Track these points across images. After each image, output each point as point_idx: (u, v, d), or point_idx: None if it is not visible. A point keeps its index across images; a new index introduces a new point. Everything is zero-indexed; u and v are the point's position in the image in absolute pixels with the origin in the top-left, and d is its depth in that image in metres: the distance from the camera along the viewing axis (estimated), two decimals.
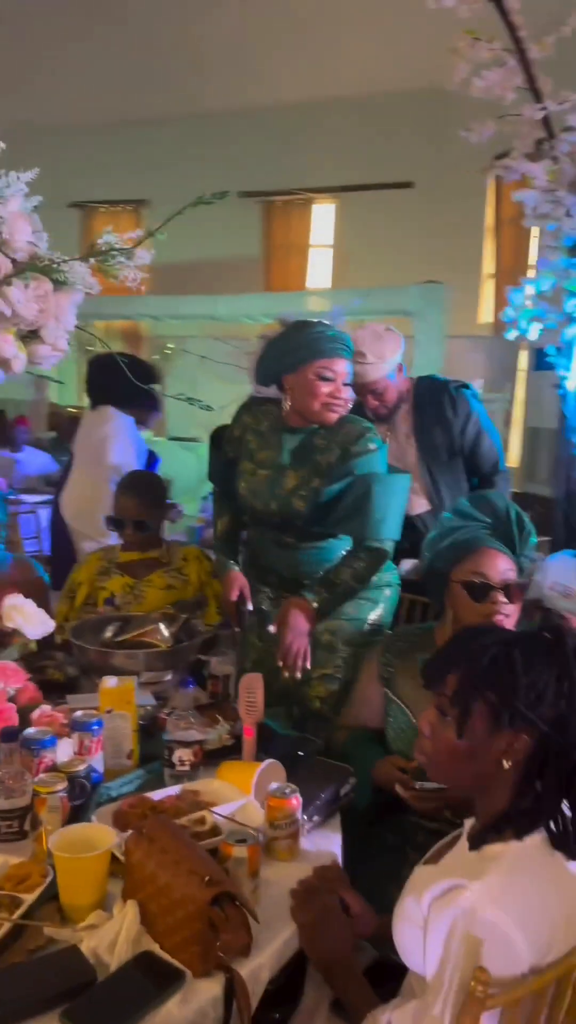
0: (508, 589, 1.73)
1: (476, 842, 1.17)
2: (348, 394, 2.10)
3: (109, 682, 1.73)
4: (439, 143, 8.75)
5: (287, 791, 1.48)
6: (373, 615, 2.22)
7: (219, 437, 2.37)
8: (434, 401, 2.67)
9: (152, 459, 3.94)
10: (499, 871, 1.10)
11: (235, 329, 8.23)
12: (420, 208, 9.53)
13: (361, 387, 2.57)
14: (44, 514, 4.84)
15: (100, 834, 1.34)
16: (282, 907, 1.35)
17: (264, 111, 10.03)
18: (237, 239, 10.25)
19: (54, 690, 2.10)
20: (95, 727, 1.64)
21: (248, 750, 1.75)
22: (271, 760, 1.64)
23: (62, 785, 1.47)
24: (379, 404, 2.66)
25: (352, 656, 2.15)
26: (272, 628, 2.02)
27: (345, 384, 2.09)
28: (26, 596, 2.58)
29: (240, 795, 1.60)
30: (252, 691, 1.75)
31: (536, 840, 1.13)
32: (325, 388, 2.06)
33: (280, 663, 1.97)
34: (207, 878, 1.19)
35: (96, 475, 3.52)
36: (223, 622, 2.18)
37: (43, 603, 2.63)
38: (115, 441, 3.61)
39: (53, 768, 1.55)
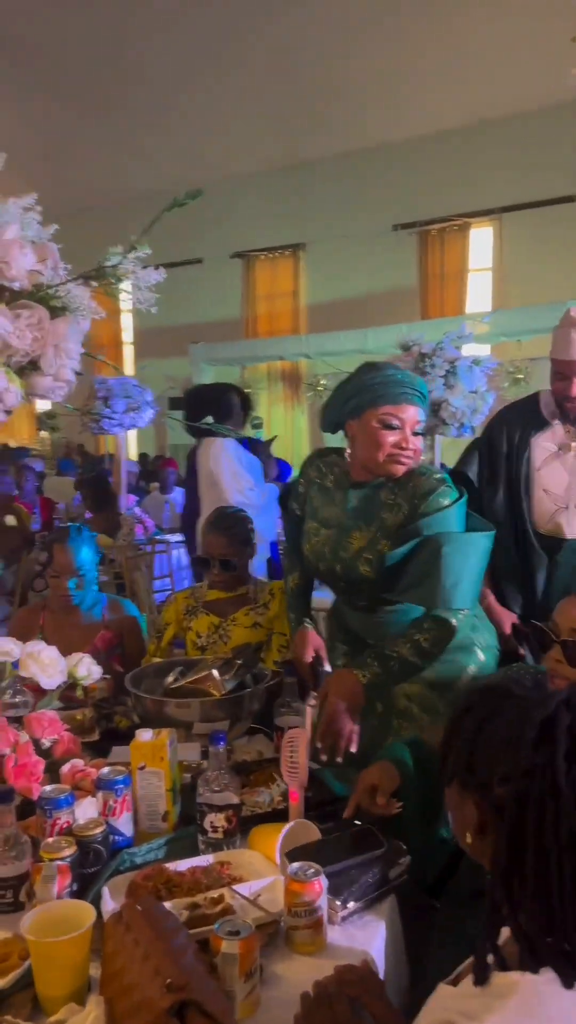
0: (568, 648, 1.42)
1: (479, 974, 0.91)
2: (418, 444, 1.86)
3: (143, 735, 1.60)
4: None
5: (309, 872, 1.27)
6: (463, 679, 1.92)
7: (287, 494, 2.21)
8: None
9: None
10: (503, 1015, 0.84)
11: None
12: None
13: (573, 367, 2.27)
14: (182, 553, 4.88)
15: (83, 914, 1.19)
16: (291, 1013, 1.14)
17: (417, 141, 9.92)
18: (393, 272, 10.15)
19: (120, 739, 2.01)
20: (120, 785, 1.51)
21: (294, 816, 1.56)
22: (298, 820, 1.44)
23: (69, 851, 1.35)
24: None
25: (433, 726, 1.87)
26: (312, 702, 1.81)
27: (415, 433, 1.85)
28: (117, 636, 2.55)
29: (274, 870, 1.41)
30: (294, 749, 1.55)
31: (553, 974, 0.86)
32: (391, 437, 1.83)
33: (318, 743, 1.73)
34: (168, 981, 1.01)
35: (213, 505, 3.53)
36: (289, 668, 1.99)
37: (137, 643, 2.59)
38: (220, 469, 3.62)
39: (69, 831, 1.43)
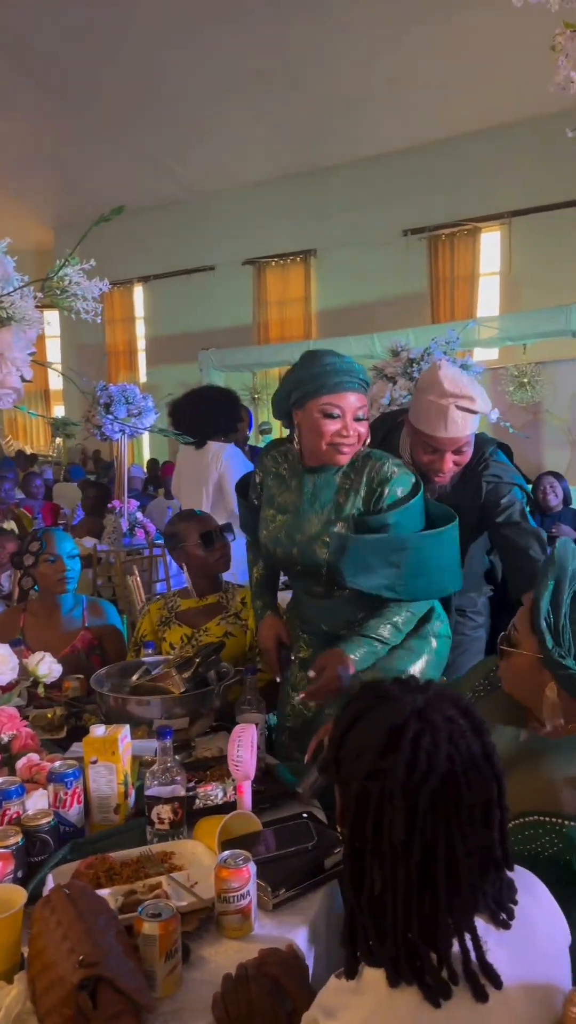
0: (501, 651, 1.45)
1: (347, 968, 0.95)
2: (361, 429, 1.90)
3: (97, 731, 1.65)
4: None
5: (239, 860, 1.32)
6: (415, 668, 1.96)
7: (246, 484, 2.26)
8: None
9: None
10: (354, 1012, 0.88)
11: None
12: None
13: (447, 443, 2.08)
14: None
15: (15, 897, 1.25)
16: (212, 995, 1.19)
17: (427, 147, 9.97)
18: (403, 277, 10.20)
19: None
20: (70, 778, 1.57)
21: (241, 808, 1.60)
22: (239, 811, 1.48)
23: (14, 840, 1.41)
24: (453, 468, 2.15)
25: None
26: (311, 673, 1.87)
27: (357, 420, 1.89)
28: (97, 637, 2.61)
29: (214, 859, 1.46)
30: (241, 744, 1.60)
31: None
32: (331, 426, 1.87)
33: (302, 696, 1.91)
34: (80, 958, 1.06)
35: (222, 510, 3.58)
36: (251, 667, 2.04)
37: (116, 647, 2.64)
38: (230, 477, 3.65)
39: (18, 821, 1.49)
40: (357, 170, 10.52)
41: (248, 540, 2.27)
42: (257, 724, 1.89)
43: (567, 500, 5.04)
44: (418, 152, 10.05)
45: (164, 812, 1.54)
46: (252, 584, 2.25)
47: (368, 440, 1.94)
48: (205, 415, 3.67)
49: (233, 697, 2.06)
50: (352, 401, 1.87)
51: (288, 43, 8.09)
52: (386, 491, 1.91)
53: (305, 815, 1.61)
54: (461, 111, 9.17)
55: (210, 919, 1.34)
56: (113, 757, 1.62)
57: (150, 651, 2.28)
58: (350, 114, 9.36)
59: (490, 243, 9.90)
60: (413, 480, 1.95)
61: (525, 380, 7.60)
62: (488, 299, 9.83)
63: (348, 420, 1.87)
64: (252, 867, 1.32)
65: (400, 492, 1.91)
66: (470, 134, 9.64)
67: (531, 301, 9.02)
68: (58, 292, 1.48)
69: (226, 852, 1.34)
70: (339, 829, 1.01)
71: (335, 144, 10.16)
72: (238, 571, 2.87)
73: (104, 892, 1.34)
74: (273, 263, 11.39)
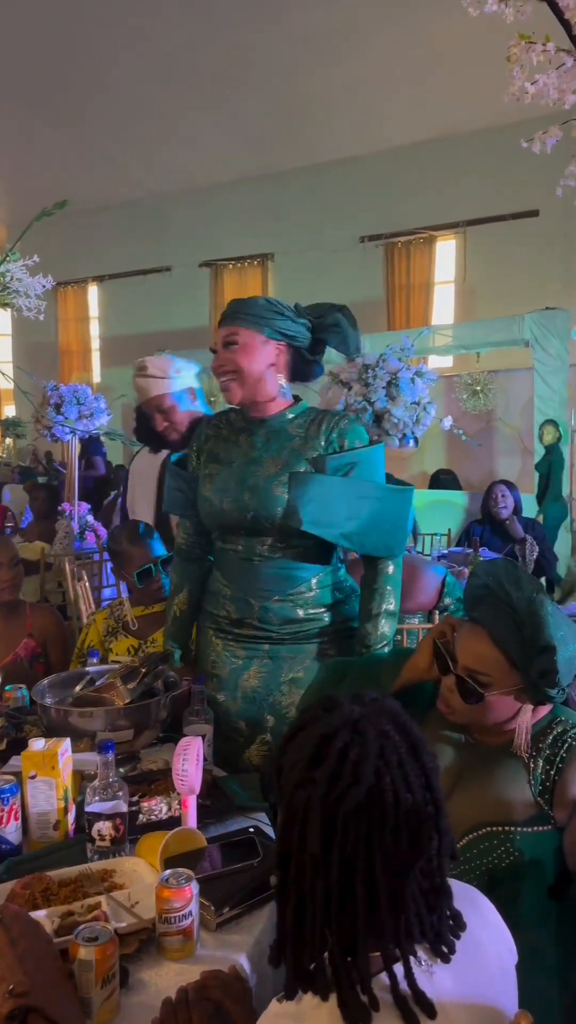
0: (463, 685, 1.39)
1: (288, 989, 0.92)
2: (233, 356, 1.90)
3: (36, 744, 1.60)
4: (564, 165, 8.35)
5: (181, 878, 1.28)
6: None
7: (175, 464, 2.21)
8: None
9: None
10: None
11: None
12: (547, 234, 9.12)
13: (148, 404, 2.69)
14: None
15: None
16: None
17: (384, 155, 10.02)
18: (360, 283, 10.21)
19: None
20: (7, 794, 1.51)
21: (185, 823, 1.56)
22: (182, 828, 1.45)
23: None
24: (168, 425, 2.67)
25: None
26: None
27: (226, 347, 1.91)
28: (41, 644, 2.54)
29: (156, 877, 1.41)
30: (186, 758, 1.56)
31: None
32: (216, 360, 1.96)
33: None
34: (11, 988, 1.01)
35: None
36: (200, 677, 2.00)
37: (61, 654, 2.57)
38: None
39: None
40: (315, 175, 10.52)
41: (180, 520, 2.20)
42: (204, 735, 1.86)
43: (517, 508, 5.09)
44: (375, 159, 10.10)
45: (105, 829, 1.49)
46: (177, 552, 2.20)
47: (269, 368, 1.94)
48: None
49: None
50: (221, 334, 1.93)
51: (248, 46, 8.06)
52: (346, 443, 1.94)
53: (251, 830, 1.57)
54: (418, 120, 9.24)
55: (151, 940, 1.30)
56: (53, 772, 1.57)
57: (95, 660, 2.22)
58: (309, 119, 9.36)
59: (445, 252, 9.99)
60: (370, 439, 2.00)
61: (478, 388, 7.69)
62: (443, 307, 9.92)
63: (219, 352, 1.93)
64: (195, 886, 1.28)
65: (359, 445, 1.95)
66: (426, 143, 9.71)
67: (485, 310, 9.12)
68: None
69: (168, 871, 1.30)
70: None
71: (294, 149, 10.16)
72: None
73: (40, 914, 1.29)
74: (230, 266, 11.35)
